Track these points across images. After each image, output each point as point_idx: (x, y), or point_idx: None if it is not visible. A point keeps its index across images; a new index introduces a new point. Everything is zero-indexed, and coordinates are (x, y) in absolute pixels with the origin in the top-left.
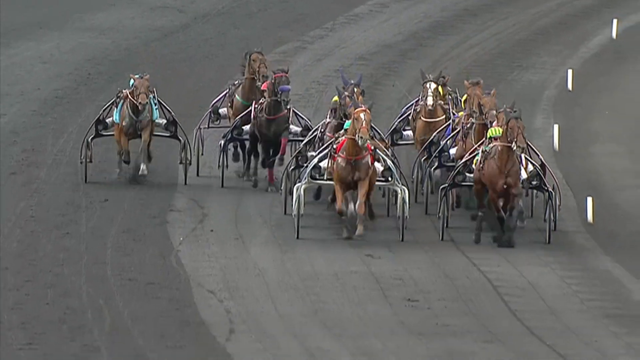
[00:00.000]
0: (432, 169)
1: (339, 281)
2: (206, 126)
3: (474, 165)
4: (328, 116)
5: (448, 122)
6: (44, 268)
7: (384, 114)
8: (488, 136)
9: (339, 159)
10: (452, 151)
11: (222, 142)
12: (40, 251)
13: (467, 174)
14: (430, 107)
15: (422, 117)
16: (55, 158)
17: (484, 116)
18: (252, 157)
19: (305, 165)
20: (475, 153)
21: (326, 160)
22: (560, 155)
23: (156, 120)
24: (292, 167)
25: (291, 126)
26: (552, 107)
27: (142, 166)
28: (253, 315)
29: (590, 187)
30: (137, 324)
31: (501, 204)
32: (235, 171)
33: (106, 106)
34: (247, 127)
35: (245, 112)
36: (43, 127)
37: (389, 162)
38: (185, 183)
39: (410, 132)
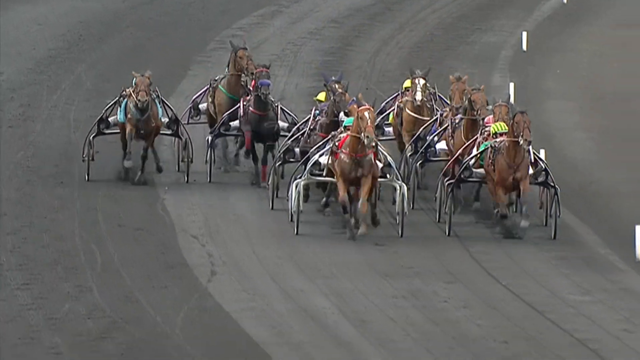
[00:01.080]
0: (418, 163)
1: (312, 227)
2: (186, 122)
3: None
4: (313, 111)
5: (435, 117)
6: (39, 214)
7: (354, 73)
8: (492, 132)
9: (342, 155)
10: (439, 146)
11: (210, 137)
12: (36, 198)
13: (475, 170)
14: (418, 103)
15: (409, 112)
16: (50, 113)
17: (474, 112)
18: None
19: (291, 160)
20: (478, 151)
21: (326, 157)
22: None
23: (160, 119)
24: (279, 163)
25: (280, 122)
26: (508, 66)
27: (138, 175)
28: (233, 258)
29: (543, 140)
30: (126, 266)
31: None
32: (219, 168)
33: (109, 105)
34: (234, 123)
35: (233, 109)
36: (38, 84)
37: (389, 158)
38: (187, 181)
39: (391, 129)
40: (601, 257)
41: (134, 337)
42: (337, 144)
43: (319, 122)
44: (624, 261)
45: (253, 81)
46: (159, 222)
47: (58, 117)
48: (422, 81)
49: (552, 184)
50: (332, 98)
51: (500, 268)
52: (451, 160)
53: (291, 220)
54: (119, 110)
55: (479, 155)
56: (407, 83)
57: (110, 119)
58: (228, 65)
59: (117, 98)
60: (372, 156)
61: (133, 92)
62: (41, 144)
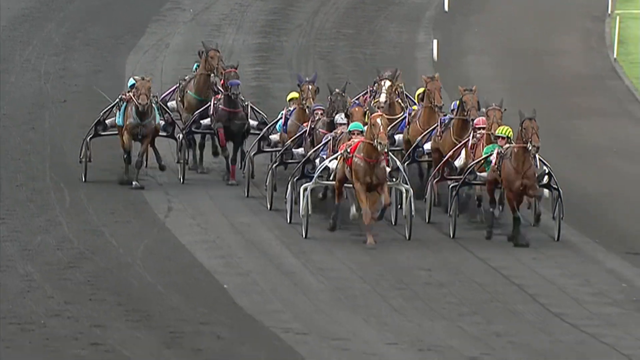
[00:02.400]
0: (405, 164)
1: (262, 169)
2: None
3: (455, 162)
4: (285, 111)
5: (403, 116)
6: (14, 156)
7: (294, 31)
8: (497, 133)
9: (357, 160)
10: (426, 146)
11: (180, 135)
12: (10, 142)
13: (478, 173)
14: (382, 105)
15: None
16: (22, 66)
17: (465, 112)
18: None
19: (289, 161)
20: (482, 155)
21: (335, 162)
22: (438, 65)
23: (158, 122)
24: (277, 164)
25: (250, 121)
26: (432, 25)
27: (135, 183)
28: (188, 197)
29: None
30: (92, 203)
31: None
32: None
33: (107, 108)
34: (205, 121)
35: (204, 107)
36: (12, 40)
37: (398, 163)
38: (183, 182)
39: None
40: None
41: (99, 267)
42: (348, 150)
43: (320, 120)
44: None
45: (222, 80)
46: (121, 163)
47: (30, 70)
48: (387, 83)
49: (555, 186)
50: (328, 98)
51: (441, 221)
52: (442, 162)
53: (289, 222)
54: (117, 113)
55: (483, 161)
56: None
57: (107, 121)
58: (197, 66)
59: (116, 101)
60: (384, 163)
61: (133, 96)
62: (15, 93)
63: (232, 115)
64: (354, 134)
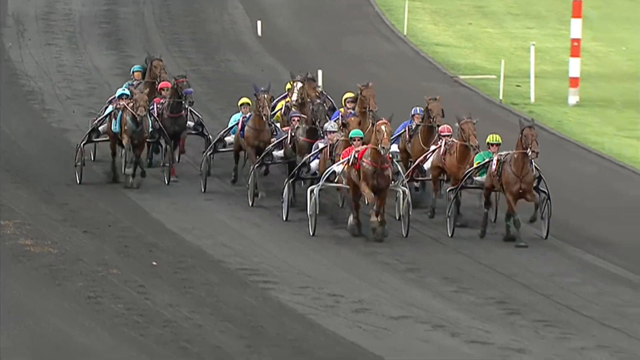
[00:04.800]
0: None
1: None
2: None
3: (426, 166)
4: (242, 117)
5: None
6: None
7: None
8: (487, 142)
9: (364, 164)
10: (393, 148)
11: (164, 141)
12: None
13: (474, 178)
14: (294, 103)
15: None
16: None
17: (431, 119)
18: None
19: (268, 162)
20: (475, 164)
21: (341, 166)
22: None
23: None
24: (257, 165)
25: (188, 122)
26: None
27: (131, 179)
28: (75, 90)
29: (260, 13)
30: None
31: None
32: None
33: (100, 118)
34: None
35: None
36: None
37: (398, 167)
38: (168, 183)
39: None
40: None
41: None
42: (356, 155)
43: (300, 128)
44: None
45: (161, 84)
46: (15, 75)
47: None
48: (299, 84)
49: (543, 189)
50: (310, 107)
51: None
52: (413, 165)
53: (286, 220)
54: (113, 122)
55: (478, 170)
56: (288, 85)
57: (100, 128)
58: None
59: (111, 111)
60: (390, 170)
61: (132, 107)
62: None
63: (174, 119)
64: (354, 140)
